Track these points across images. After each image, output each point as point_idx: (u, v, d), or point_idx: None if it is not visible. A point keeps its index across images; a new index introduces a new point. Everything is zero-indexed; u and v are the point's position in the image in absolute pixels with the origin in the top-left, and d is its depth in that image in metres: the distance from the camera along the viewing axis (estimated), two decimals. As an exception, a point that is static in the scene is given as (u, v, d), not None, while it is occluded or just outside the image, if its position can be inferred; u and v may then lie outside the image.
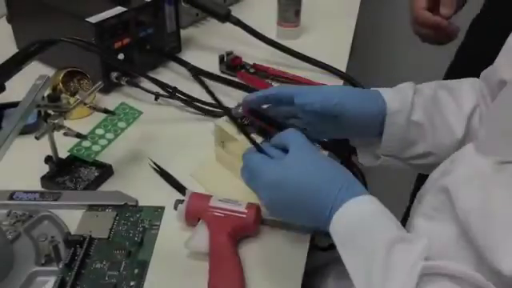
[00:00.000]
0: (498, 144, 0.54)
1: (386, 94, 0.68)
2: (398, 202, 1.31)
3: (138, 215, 0.53)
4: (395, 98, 0.67)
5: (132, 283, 0.46)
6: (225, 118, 0.79)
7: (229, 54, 1.05)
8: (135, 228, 0.51)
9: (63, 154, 0.77)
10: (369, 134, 0.70)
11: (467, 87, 0.70)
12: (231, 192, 0.72)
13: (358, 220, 0.52)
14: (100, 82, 0.79)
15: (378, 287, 0.47)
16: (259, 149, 0.61)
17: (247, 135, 0.62)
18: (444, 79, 1.14)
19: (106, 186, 0.78)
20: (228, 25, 1.02)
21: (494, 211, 0.48)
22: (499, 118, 0.56)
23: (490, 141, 0.56)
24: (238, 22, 1.01)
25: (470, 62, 1.05)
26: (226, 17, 1.00)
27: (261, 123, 0.67)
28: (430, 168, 0.71)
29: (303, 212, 0.56)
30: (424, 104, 0.68)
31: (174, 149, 0.85)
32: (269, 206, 0.59)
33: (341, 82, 1.02)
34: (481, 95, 0.69)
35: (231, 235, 0.67)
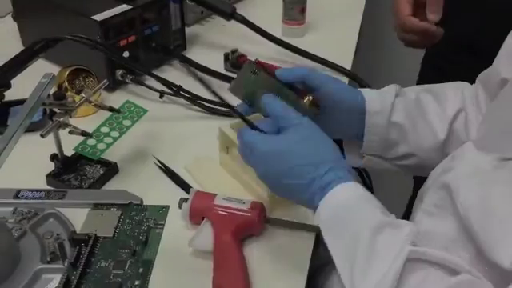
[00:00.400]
0: (499, 141, 0.55)
1: (367, 94, 0.69)
2: (398, 203, 1.32)
3: (142, 214, 0.53)
4: (376, 99, 0.68)
5: (137, 282, 0.46)
6: (229, 122, 0.79)
7: (234, 51, 1.05)
8: (140, 227, 0.51)
9: (69, 151, 0.78)
10: (350, 129, 0.71)
11: (452, 92, 0.71)
12: (222, 187, 0.74)
13: (344, 206, 0.53)
14: (105, 80, 0.79)
15: (361, 271, 0.48)
16: (252, 126, 0.62)
17: (241, 116, 0.63)
18: (420, 73, 1.17)
19: (111, 184, 0.78)
20: (233, 22, 1.02)
21: (493, 207, 0.49)
22: (500, 115, 0.57)
23: (491, 138, 0.56)
24: (244, 20, 1.01)
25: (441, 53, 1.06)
26: (231, 15, 1.00)
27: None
28: (415, 170, 0.72)
29: (290, 186, 0.57)
30: (406, 106, 0.69)
31: (178, 147, 0.85)
32: (263, 178, 0.60)
33: (346, 80, 1.02)
34: (470, 99, 0.70)
35: (235, 234, 0.67)
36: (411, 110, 0.69)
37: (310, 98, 0.64)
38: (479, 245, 0.49)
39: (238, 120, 0.81)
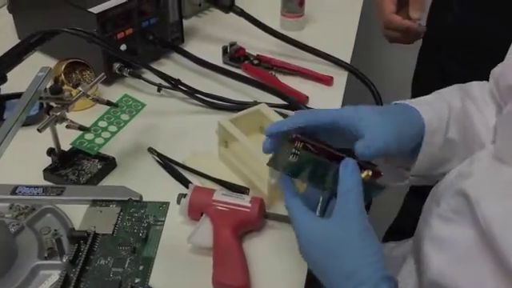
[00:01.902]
0: None
1: (426, 113, 0.62)
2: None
3: (142, 211, 0.52)
4: (433, 116, 0.62)
5: (137, 280, 0.45)
6: (228, 116, 0.78)
7: (232, 44, 1.04)
8: (140, 224, 0.51)
9: (66, 146, 0.77)
10: (401, 155, 0.64)
11: (484, 94, 0.67)
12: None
13: None
14: (102, 74, 0.78)
15: None
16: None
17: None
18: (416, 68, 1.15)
19: (109, 179, 0.78)
20: (231, 15, 1.01)
21: None
22: None
23: (510, 149, 0.54)
24: (242, 13, 1.00)
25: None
26: (229, 7, 0.99)
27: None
28: None
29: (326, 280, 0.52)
30: (457, 119, 0.64)
31: (176, 141, 0.85)
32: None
33: (345, 74, 1.01)
34: (493, 98, 0.67)
35: (235, 229, 0.67)
36: (461, 123, 0.64)
37: (370, 173, 0.53)
38: (502, 258, 0.47)
39: (237, 114, 0.80)
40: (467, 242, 0.53)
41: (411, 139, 0.59)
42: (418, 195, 0.70)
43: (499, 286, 0.48)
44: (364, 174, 0.53)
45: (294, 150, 0.53)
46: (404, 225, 0.85)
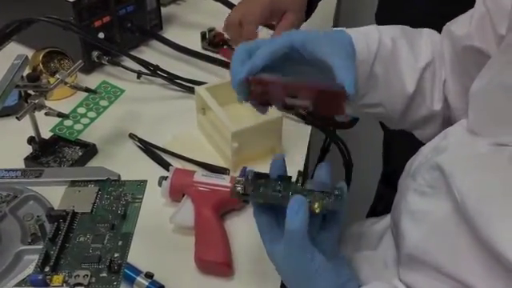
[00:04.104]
0: (492, 126, 0.53)
1: (358, 43, 0.62)
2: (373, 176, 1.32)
3: (120, 189, 0.53)
4: (364, 47, 0.63)
5: (116, 255, 0.46)
6: (206, 85, 0.80)
7: (210, 30, 1.04)
8: (118, 202, 0.52)
9: (46, 134, 0.77)
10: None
11: (426, 40, 0.68)
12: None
13: None
14: (80, 61, 0.79)
15: None
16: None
17: None
18: None
19: (91, 165, 0.78)
20: (209, 1, 1.01)
21: (491, 195, 0.48)
22: (489, 99, 0.55)
23: (483, 122, 0.55)
24: (219, -2, 1.00)
25: None
26: (206, -7, 0.99)
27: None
28: (379, 117, 0.71)
29: None
30: (384, 55, 0.65)
31: (157, 126, 0.85)
32: None
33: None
34: (437, 51, 0.67)
35: (216, 209, 0.68)
36: (387, 60, 0.65)
37: (321, 204, 0.53)
38: (477, 230, 0.48)
39: (214, 83, 0.82)
40: (443, 215, 0.53)
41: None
42: (390, 183, 0.71)
43: (475, 258, 0.49)
44: (316, 207, 0.52)
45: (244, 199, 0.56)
46: (380, 210, 0.86)
